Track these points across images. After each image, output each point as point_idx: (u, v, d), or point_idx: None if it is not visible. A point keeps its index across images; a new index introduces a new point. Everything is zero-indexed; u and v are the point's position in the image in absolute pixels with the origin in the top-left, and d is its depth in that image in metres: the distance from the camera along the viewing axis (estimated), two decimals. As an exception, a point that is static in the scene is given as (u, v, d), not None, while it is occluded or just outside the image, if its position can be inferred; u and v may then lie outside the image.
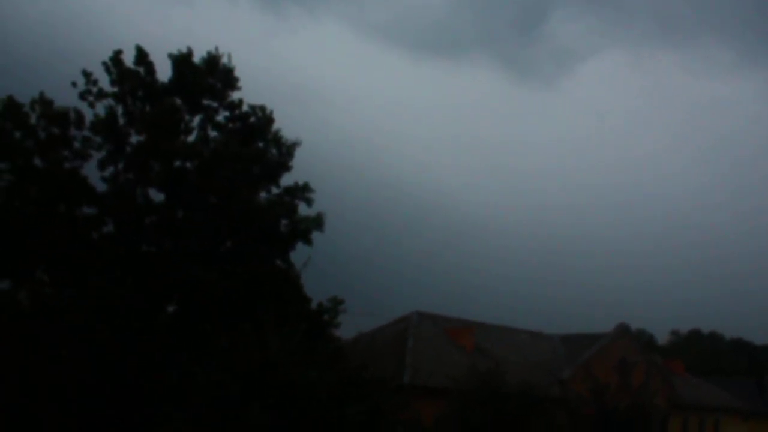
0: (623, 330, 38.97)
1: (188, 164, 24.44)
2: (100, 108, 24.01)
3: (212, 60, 25.01)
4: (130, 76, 24.15)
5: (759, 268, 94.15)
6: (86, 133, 23.83)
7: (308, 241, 25.33)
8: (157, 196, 24.43)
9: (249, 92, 25.81)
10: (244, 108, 25.55)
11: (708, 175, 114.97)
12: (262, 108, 25.63)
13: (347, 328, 26.49)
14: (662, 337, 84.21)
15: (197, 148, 24.47)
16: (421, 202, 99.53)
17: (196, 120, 25.18)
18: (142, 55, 24.30)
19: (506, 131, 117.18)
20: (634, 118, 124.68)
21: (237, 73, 25.28)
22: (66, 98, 23.67)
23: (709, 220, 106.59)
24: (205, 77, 24.93)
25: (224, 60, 25.13)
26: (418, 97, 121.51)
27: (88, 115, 23.87)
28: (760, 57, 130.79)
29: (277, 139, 25.60)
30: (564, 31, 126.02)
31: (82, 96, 23.85)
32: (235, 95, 25.45)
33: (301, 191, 25.65)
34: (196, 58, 24.91)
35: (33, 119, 23.22)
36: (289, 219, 25.34)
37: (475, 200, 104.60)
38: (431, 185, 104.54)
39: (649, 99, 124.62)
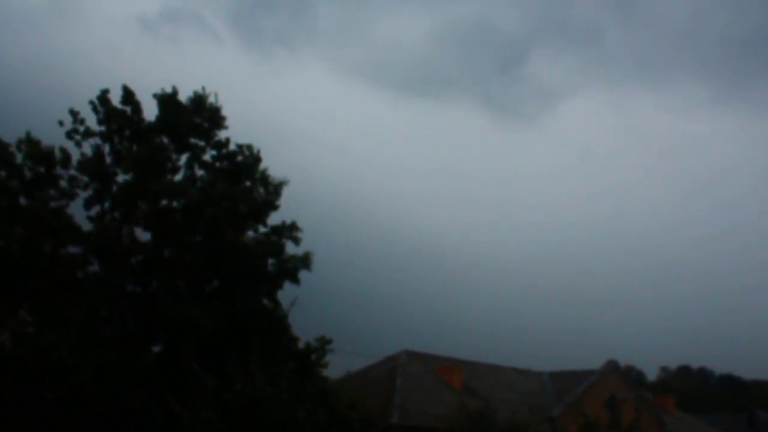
0: (612, 366, 38.77)
1: (175, 203, 24.38)
2: (87, 147, 24.10)
3: (199, 99, 25.04)
4: (117, 115, 24.18)
5: (746, 304, 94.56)
6: (73, 172, 23.81)
7: (296, 280, 25.10)
8: (143, 235, 24.32)
9: (236, 131, 25.89)
10: (232, 147, 25.52)
11: (688, 210, 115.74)
12: (249, 147, 25.58)
13: (336, 368, 26.24)
14: (651, 374, 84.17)
15: (184, 187, 24.40)
16: (409, 240, 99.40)
17: (183, 159, 25.16)
18: (128, 95, 24.36)
19: (489, 167, 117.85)
20: (614, 156, 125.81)
21: (224, 112, 25.39)
22: (53, 137, 23.71)
23: (692, 255, 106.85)
24: (192, 116, 24.97)
25: (211, 99, 25.18)
26: (401, 137, 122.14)
27: (75, 154, 23.91)
28: (735, 95, 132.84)
29: (264, 178, 25.51)
30: (544, 71, 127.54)
31: (69, 135, 23.89)
32: (222, 134, 25.50)
33: (289, 230, 25.50)
34: (183, 97, 24.97)
35: (19, 159, 23.17)
36: (276, 258, 25.18)
37: (464, 238, 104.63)
38: (418, 223, 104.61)
39: (628, 137, 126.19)
